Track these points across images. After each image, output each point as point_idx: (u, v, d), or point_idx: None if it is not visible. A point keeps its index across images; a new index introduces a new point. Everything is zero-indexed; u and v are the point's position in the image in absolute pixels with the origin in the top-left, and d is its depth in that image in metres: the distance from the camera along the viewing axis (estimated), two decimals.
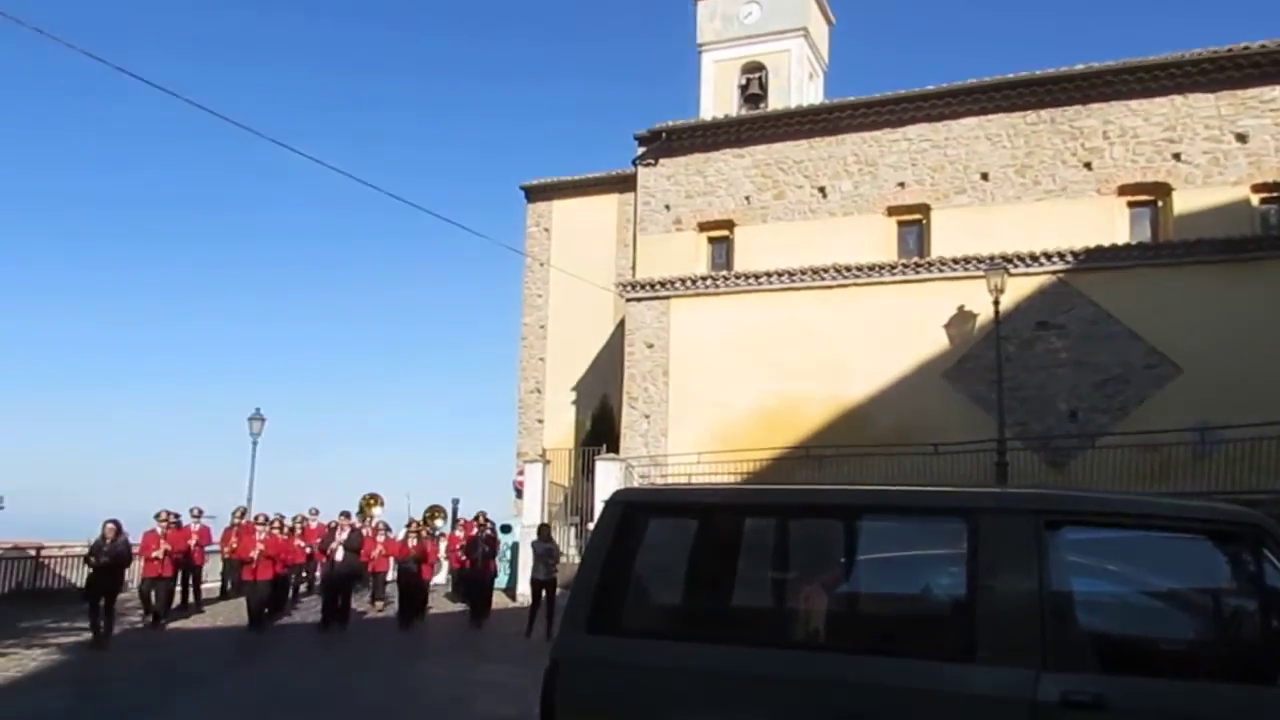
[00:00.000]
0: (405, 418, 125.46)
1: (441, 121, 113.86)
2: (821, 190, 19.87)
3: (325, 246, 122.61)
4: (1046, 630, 3.78)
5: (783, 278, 19.13)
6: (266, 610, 15.42)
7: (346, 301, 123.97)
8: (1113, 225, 17.73)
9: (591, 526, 18.26)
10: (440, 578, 20.83)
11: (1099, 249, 17.23)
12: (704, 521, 5.10)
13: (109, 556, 13.30)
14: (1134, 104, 17.90)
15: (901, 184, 19.35)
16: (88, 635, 13.23)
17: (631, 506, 4.89)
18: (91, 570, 13.48)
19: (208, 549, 19.03)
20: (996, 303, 16.17)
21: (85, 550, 14.47)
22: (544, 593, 14.75)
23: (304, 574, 19.79)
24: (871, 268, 18.62)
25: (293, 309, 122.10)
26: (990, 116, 18.82)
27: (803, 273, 18.97)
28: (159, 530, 15.54)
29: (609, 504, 4.89)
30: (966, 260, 17.81)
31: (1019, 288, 17.16)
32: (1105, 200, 17.92)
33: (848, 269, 18.69)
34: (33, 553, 19.79)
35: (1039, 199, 18.30)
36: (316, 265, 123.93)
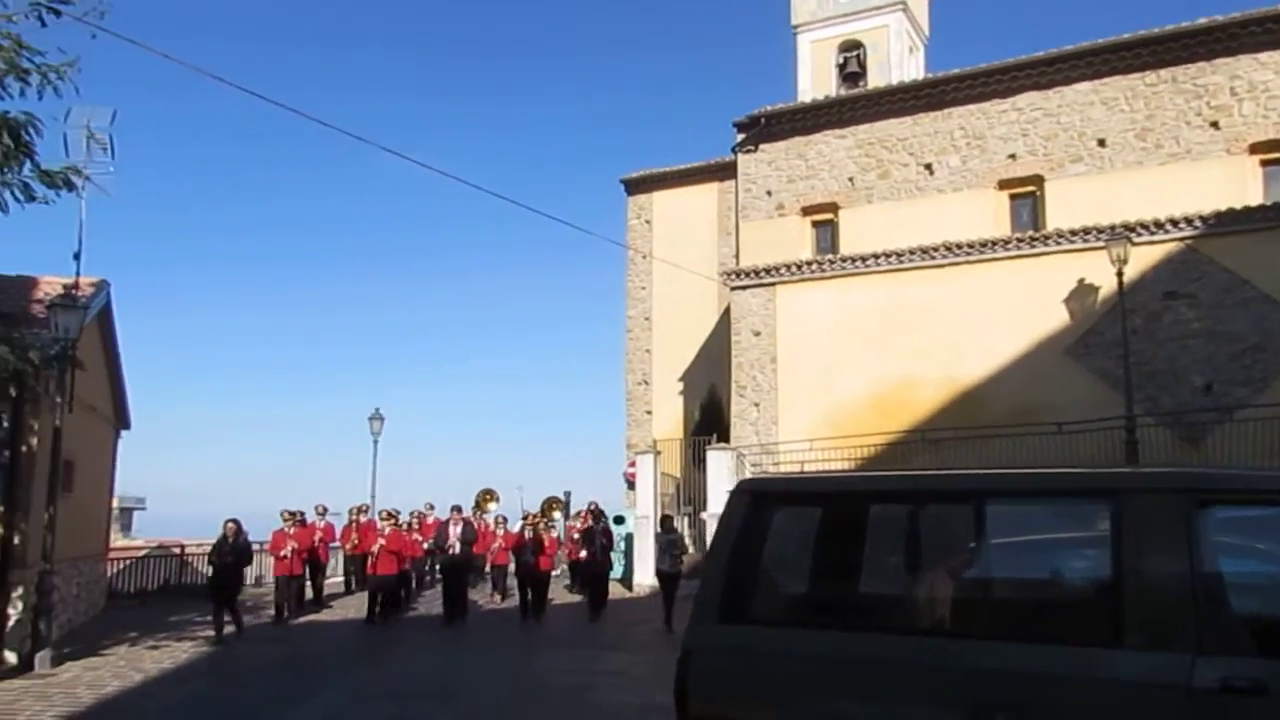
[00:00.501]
0: (515, 413, 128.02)
1: (538, 113, 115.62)
2: (928, 167, 19.41)
3: (416, 240, 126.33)
4: (1200, 614, 3.65)
5: (891, 258, 18.75)
6: (387, 604, 15.77)
7: (450, 294, 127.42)
8: (1244, 186, 16.81)
9: (704, 516, 18.38)
10: (555, 570, 21.18)
11: (1230, 212, 16.35)
12: (830, 509, 5.08)
13: (231, 555, 13.81)
14: (1263, 56, 16.92)
15: (1012, 156, 18.75)
16: (228, 630, 13.94)
17: (757, 495, 4.91)
18: (214, 569, 14.02)
19: (331, 545, 19.73)
20: (1120, 274, 15.51)
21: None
22: (670, 585, 14.61)
23: (426, 568, 20.36)
24: (984, 244, 18.11)
25: (397, 305, 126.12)
26: (1105, 80, 18.05)
27: (911, 252, 18.56)
28: (287, 529, 16.20)
29: (735, 493, 4.92)
30: (1085, 231, 17.14)
31: (1144, 257, 16.43)
32: (1235, 160, 17.01)
33: (959, 246, 18.22)
34: (177, 551, 21.00)
35: (1162, 163, 17.48)
36: (415, 259, 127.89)
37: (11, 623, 11.94)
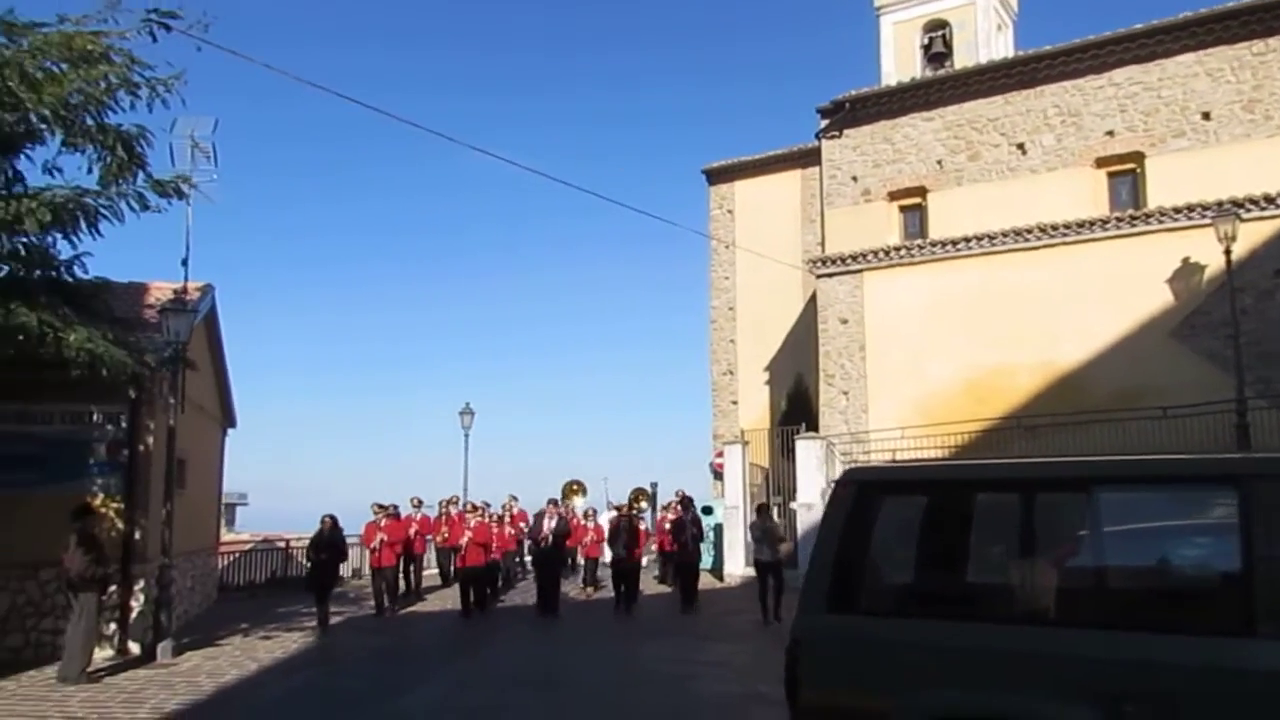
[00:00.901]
0: (596, 404, 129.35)
1: (616, 103, 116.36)
2: (1020, 147, 18.95)
3: (498, 233, 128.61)
4: None
5: (983, 242, 18.37)
6: (481, 595, 15.92)
7: (535, 288, 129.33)
8: None
9: (794, 505, 18.24)
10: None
11: None
12: (936, 497, 5.06)
13: (326, 550, 14.04)
14: None
15: (1110, 133, 18.18)
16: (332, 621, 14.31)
17: (863, 485, 4.92)
18: (311, 563, 14.30)
19: (427, 538, 19.93)
20: (1228, 252, 14.90)
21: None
22: (769, 575, 14.22)
23: (516, 560, 20.56)
24: (1081, 224, 17.60)
25: (483, 300, 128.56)
26: (1209, 50, 17.36)
27: (1005, 235, 18.15)
28: (378, 521, 16.29)
29: (841, 483, 4.94)
30: (1190, 208, 16.52)
31: (1253, 234, 15.76)
32: None
33: (1054, 228, 17.74)
34: (281, 544, 21.77)
35: (1271, 135, 16.75)
36: (494, 253, 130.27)
37: (134, 615, 12.53)
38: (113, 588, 11.82)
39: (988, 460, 5.42)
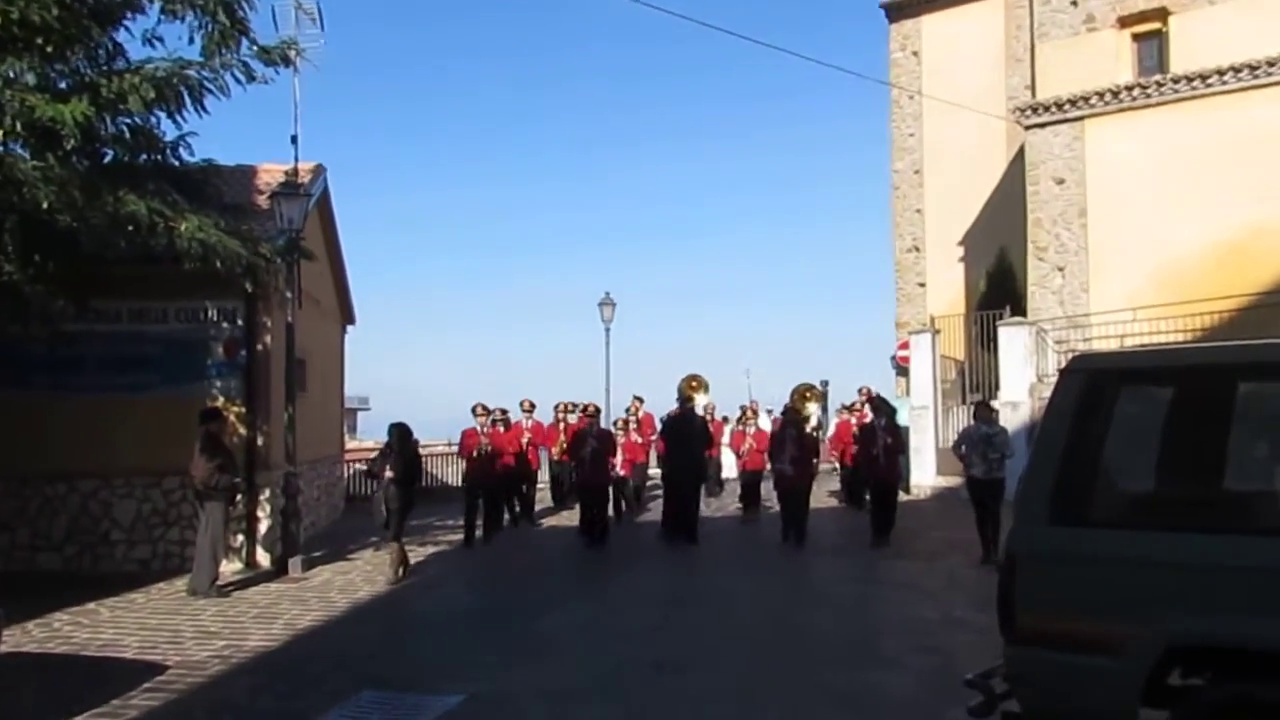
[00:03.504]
0: (753, 291, 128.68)
1: None
2: None
3: (640, 91, 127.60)
4: None
5: (1242, 74, 17.10)
6: (599, 518, 15.10)
7: (681, 154, 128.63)
8: None
9: (995, 404, 17.86)
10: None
11: None
12: (1186, 388, 4.86)
13: (394, 466, 12.46)
14: None
15: None
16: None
17: (1096, 374, 4.78)
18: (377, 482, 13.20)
19: (541, 449, 18.52)
20: None
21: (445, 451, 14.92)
22: (988, 496, 12.47)
23: (647, 472, 19.56)
24: None
25: (622, 169, 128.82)
26: None
27: (1272, 64, 16.80)
28: (481, 427, 15.41)
29: (1067, 373, 4.81)
30: None
31: None
32: None
33: None
34: None
35: None
36: (639, 112, 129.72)
37: (263, 526, 13.47)
38: (240, 497, 12.59)
39: (1253, 341, 5.14)
